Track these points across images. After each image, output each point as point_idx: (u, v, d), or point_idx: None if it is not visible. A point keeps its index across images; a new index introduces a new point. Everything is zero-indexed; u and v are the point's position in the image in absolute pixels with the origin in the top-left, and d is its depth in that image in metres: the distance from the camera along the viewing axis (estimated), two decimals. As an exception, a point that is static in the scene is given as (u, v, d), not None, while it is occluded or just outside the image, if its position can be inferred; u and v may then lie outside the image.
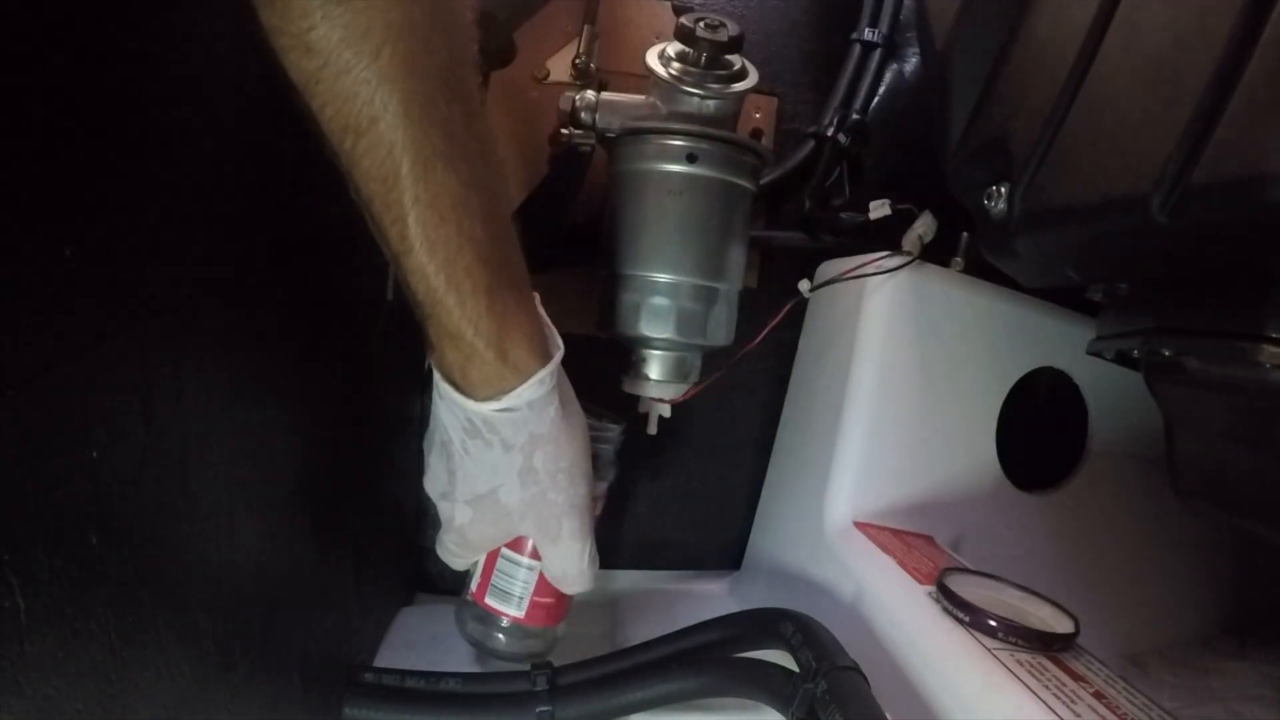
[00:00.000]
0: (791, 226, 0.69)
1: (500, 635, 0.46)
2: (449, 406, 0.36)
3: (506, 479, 0.38)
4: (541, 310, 0.37)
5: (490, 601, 0.46)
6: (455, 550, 0.44)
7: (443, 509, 0.42)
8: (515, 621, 0.46)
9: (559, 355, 0.36)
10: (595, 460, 0.46)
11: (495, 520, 0.40)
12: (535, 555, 0.44)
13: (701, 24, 0.51)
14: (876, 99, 0.70)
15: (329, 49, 0.26)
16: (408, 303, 0.33)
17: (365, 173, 0.29)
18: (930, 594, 0.46)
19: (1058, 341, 0.62)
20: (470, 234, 0.31)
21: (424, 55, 0.28)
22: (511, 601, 0.46)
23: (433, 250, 0.30)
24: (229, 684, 0.29)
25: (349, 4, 0.26)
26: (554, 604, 0.46)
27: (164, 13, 0.24)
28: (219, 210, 0.28)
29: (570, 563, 0.42)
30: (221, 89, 0.28)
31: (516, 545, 0.45)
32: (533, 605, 0.45)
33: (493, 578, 0.46)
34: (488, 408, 0.35)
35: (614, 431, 0.51)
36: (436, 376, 0.36)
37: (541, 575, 0.45)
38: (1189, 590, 0.76)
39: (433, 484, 0.42)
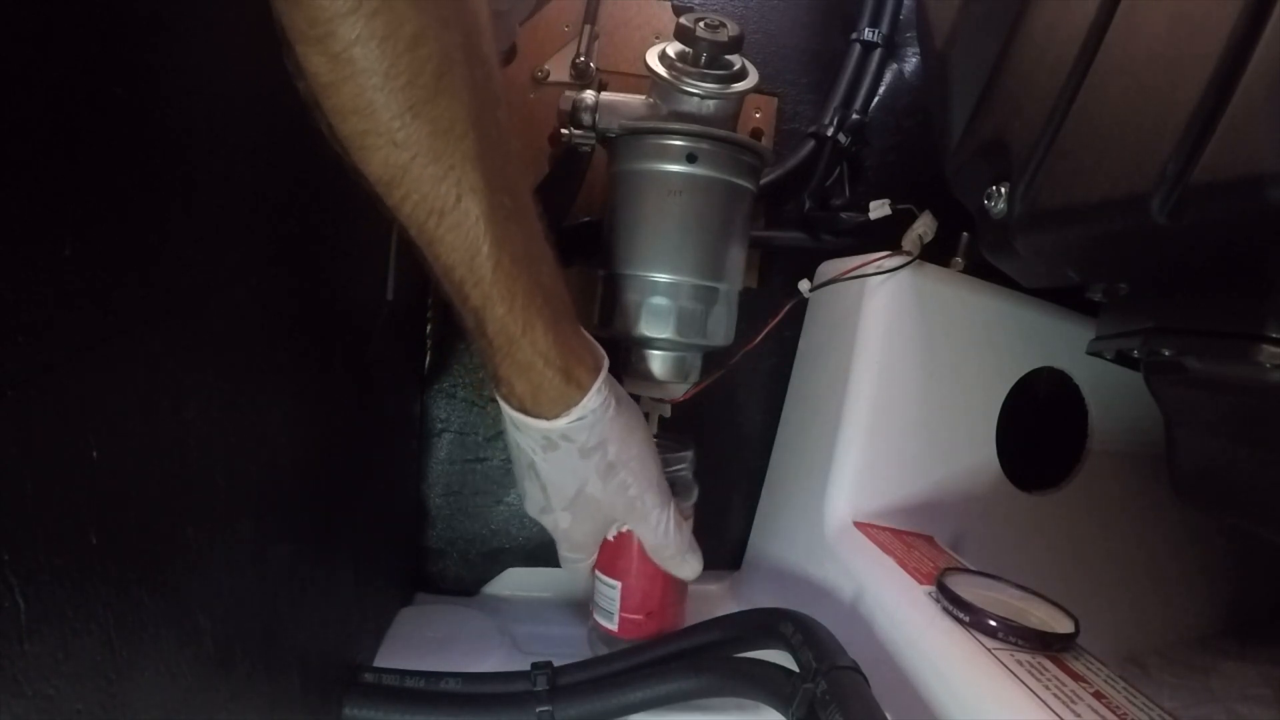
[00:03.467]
0: (791, 226, 0.69)
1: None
2: (525, 432, 0.40)
3: (589, 476, 0.42)
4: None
5: (599, 619, 0.53)
6: (569, 555, 0.48)
7: (547, 523, 0.46)
8: (614, 635, 0.53)
9: (606, 363, 0.40)
10: (677, 483, 0.52)
11: (591, 515, 0.45)
12: (616, 575, 0.51)
13: (701, 24, 0.51)
14: (876, 99, 0.70)
15: (419, 140, 0.29)
16: (408, 307, 0.35)
17: (450, 246, 0.32)
18: (930, 594, 0.46)
19: (1058, 341, 0.62)
20: (537, 278, 0.35)
21: (494, 129, 0.31)
22: (609, 617, 0.52)
23: (512, 301, 0.34)
24: (229, 684, 0.29)
25: (437, 100, 0.29)
26: (644, 620, 0.52)
27: (171, 15, 0.24)
28: (219, 211, 0.28)
29: (660, 530, 0.46)
30: (224, 89, 0.28)
31: (606, 569, 0.51)
32: (623, 621, 0.52)
33: (595, 598, 0.53)
34: (561, 423, 0.39)
35: (688, 456, 0.54)
36: (506, 409, 0.40)
37: (625, 591, 0.51)
38: (1189, 590, 0.76)
39: (532, 505, 0.46)
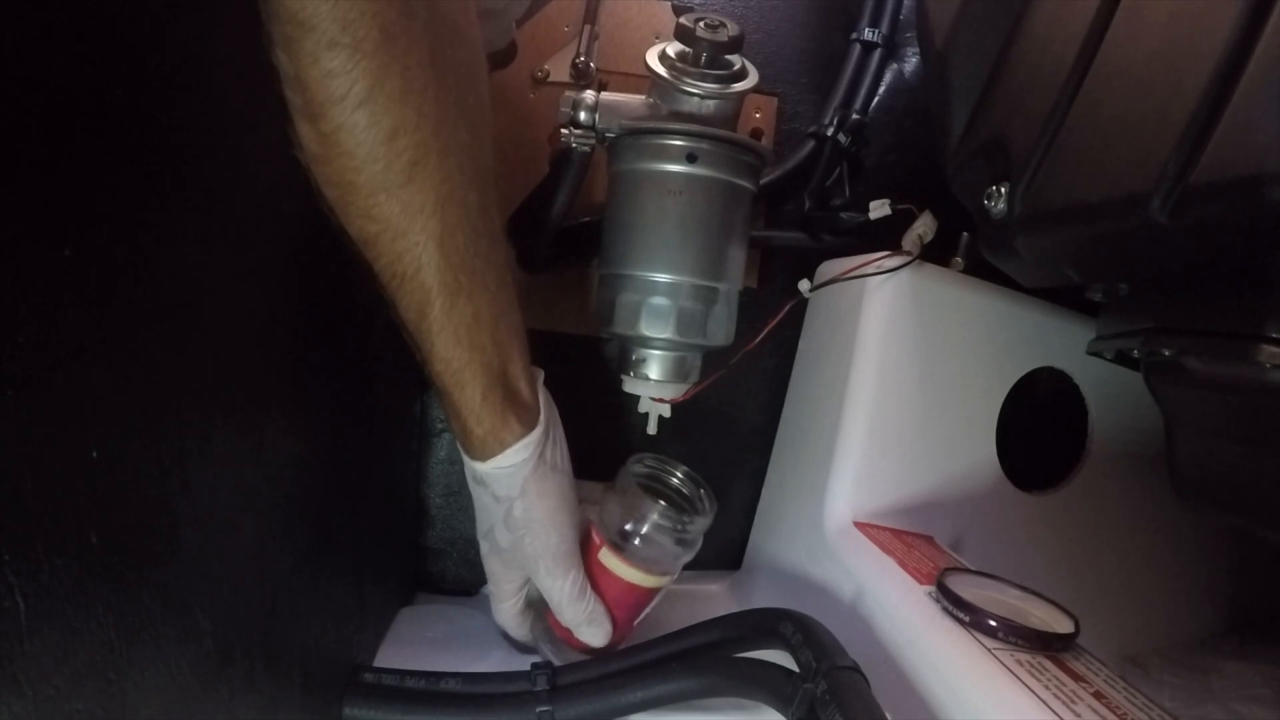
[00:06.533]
0: (791, 226, 0.69)
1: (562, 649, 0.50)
2: (464, 462, 0.44)
3: (496, 522, 0.45)
4: (539, 385, 0.44)
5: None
6: (491, 588, 0.50)
7: (480, 544, 0.49)
8: (554, 630, 0.49)
9: (539, 428, 0.42)
10: (683, 543, 0.49)
11: (496, 554, 0.47)
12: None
13: (701, 24, 0.51)
14: (876, 99, 0.70)
15: (389, 218, 0.33)
16: None
17: (405, 306, 0.36)
18: (930, 594, 0.46)
19: (1058, 341, 0.62)
20: (478, 348, 0.38)
21: (460, 211, 0.34)
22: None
23: (448, 362, 0.38)
24: (229, 684, 0.29)
25: (409, 185, 0.32)
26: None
27: (172, 16, 0.24)
28: (220, 211, 0.28)
29: (550, 596, 0.46)
30: (225, 91, 0.28)
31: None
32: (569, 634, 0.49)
33: None
34: (478, 467, 0.42)
35: (703, 523, 0.50)
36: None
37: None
38: (1189, 590, 0.76)
39: (475, 523, 0.49)
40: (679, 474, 0.52)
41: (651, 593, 0.50)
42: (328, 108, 0.29)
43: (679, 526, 0.49)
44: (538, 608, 0.51)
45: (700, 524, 0.50)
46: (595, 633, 0.48)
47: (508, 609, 0.50)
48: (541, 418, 0.43)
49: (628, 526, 0.49)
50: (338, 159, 0.31)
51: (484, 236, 0.37)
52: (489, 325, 0.39)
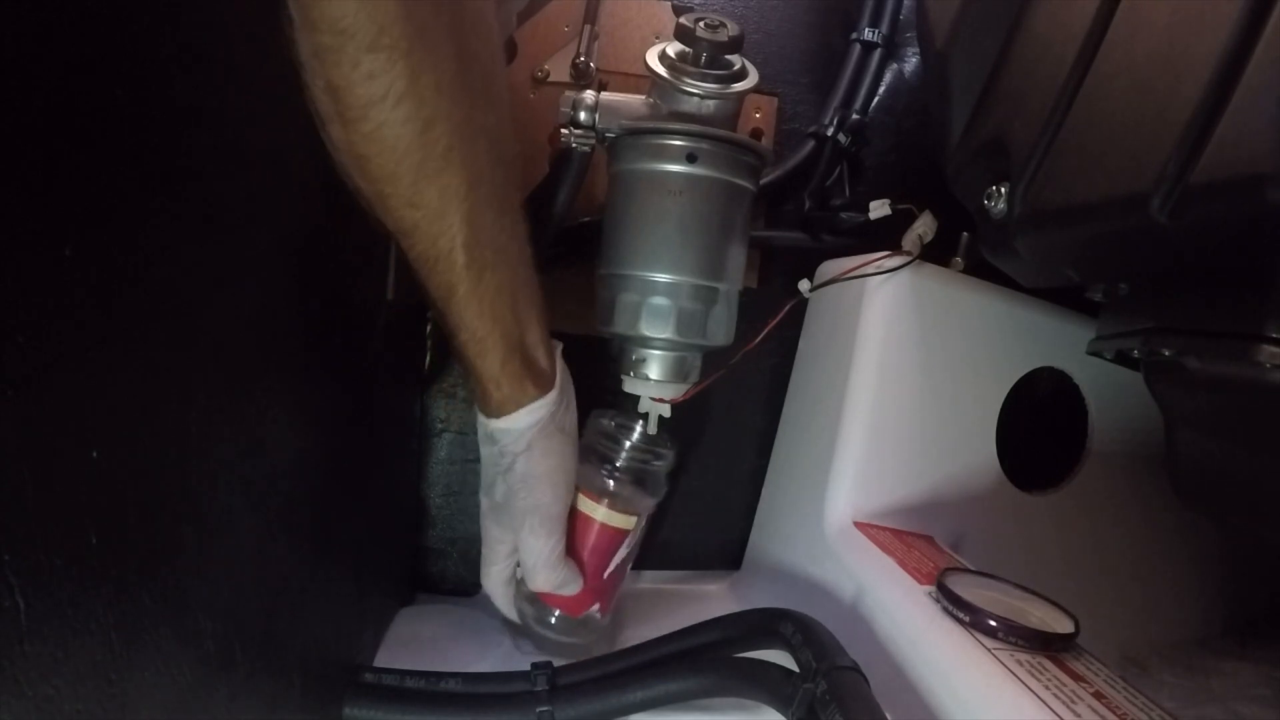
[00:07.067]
0: (791, 226, 0.69)
1: (552, 621, 0.53)
2: (478, 420, 0.47)
3: (498, 478, 0.47)
4: (557, 355, 0.47)
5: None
6: (484, 550, 0.52)
7: (481, 501, 0.51)
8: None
9: (550, 395, 0.45)
10: (646, 476, 0.55)
11: (494, 512, 0.49)
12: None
13: (701, 24, 0.51)
14: (876, 99, 0.70)
15: (430, 203, 0.35)
16: (408, 307, 0.42)
17: (436, 285, 0.39)
18: (930, 594, 0.46)
19: (1058, 341, 0.62)
20: (499, 319, 0.41)
21: (489, 190, 0.37)
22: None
23: (473, 332, 0.41)
24: (229, 684, 0.29)
25: (446, 170, 0.34)
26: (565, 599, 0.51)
27: (173, 14, 0.24)
28: (220, 211, 0.28)
29: (527, 555, 0.48)
30: (226, 90, 0.28)
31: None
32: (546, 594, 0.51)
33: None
34: (491, 424, 0.45)
35: (668, 456, 0.56)
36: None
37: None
38: (1189, 590, 0.76)
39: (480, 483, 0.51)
40: (639, 425, 0.56)
41: (620, 534, 0.52)
42: (369, 109, 0.31)
43: (647, 456, 0.54)
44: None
45: (664, 460, 0.55)
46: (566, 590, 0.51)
47: (497, 573, 0.52)
48: (557, 383, 0.46)
49: (603, 467, 0.53)
50: (378, 155, 0.33)
51: (508, 212, 0.39)
52: (509, 297, 0.41)
